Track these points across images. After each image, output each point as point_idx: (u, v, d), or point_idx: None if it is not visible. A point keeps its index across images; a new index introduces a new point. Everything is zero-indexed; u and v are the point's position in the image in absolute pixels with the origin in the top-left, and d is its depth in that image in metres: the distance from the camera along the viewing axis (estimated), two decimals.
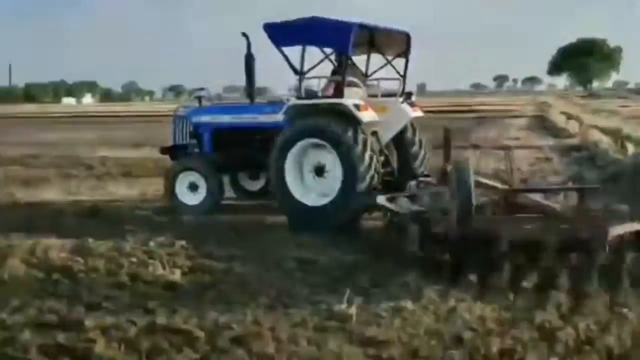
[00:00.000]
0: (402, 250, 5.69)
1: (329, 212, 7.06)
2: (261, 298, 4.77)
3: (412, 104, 8.10)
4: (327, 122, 7.14)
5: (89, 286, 5.08)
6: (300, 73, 7.56)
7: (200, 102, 9.44)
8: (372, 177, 7.00)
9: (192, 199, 8.32)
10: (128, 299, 4.81)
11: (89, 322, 4.18)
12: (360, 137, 6.97)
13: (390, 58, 8.34)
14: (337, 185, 7.10)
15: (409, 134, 8.17)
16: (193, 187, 8.33)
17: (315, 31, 7.45)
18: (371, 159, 7.00)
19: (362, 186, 6.91)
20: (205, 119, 8.86)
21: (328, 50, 7.69)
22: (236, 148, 8.68)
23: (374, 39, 8.15)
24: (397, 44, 8.22)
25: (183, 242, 6.55)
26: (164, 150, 9.30)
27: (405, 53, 8.19)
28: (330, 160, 7.26)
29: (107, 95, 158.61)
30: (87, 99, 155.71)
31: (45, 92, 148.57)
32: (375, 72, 8.63)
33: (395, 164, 8.03)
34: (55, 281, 5.23)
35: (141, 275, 5.35)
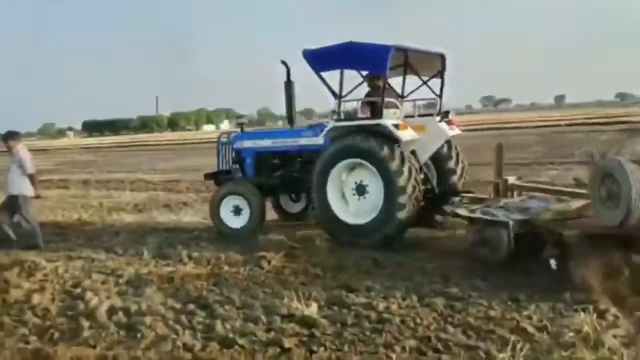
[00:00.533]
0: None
1: (372, 229, 7.25)
2: (408, 340, 4.22)
3: (449, 122, 8.21)
4: (367, 141, 7.31)
5: (224, 319, 4.81)
6: (339, 97, 7.81)
7: (242, 128, 9.98)
8: (414, 190, 7.15)
9: (236, 222, 8.50)
10: (263, 336, 4.47)
11: None
12: (399, 153, 7.15)
13: (425, 79, 8.36)
14: (379, 202, 7.26)
15: (447, 151, 8.29)
16: (237, 211, 8.51)
17: (352, 55, 7.63)
18: (410, 173, 7.14)
19: (403, 200, 7.07)
20: (247, 144, 9.10)
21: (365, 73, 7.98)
22: (277, 171, 8.97)
23: (409, 60, 8.15)
24: (432, 64, 8.28)
25: (318, 270, 6.20)
26: (208, 176, 9.68)
27: (440, 73, 8.24)
28: (371, 179, 7.43)
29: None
30: (225, 125, 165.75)
31: (187, 120, 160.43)
32: (411, 92, 8.64)
33: (434, 181, 8.06)
34: (191, 313, 5.03)
35: (276, 308, 5.00)
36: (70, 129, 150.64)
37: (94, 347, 4.41)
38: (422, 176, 7.58)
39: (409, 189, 7.10)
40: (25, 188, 8.13)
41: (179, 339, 4.45)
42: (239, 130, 9.82)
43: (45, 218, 10.47)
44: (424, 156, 7.94)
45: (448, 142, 8.25)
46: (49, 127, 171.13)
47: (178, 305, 5.24)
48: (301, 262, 6.61)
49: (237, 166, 9.16)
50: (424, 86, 8.35)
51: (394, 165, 7.08)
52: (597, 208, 5.35)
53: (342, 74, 7.75)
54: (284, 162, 8.90)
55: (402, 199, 7.08)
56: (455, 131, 8.23)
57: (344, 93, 7.82)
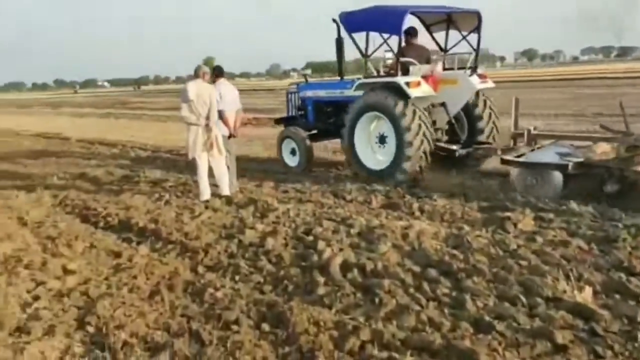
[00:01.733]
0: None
1: (386, 175, 8.20)
2: None
3: (481, 76, 8.67)
4: (382, 97, 8.15)
5: (473, 294, 4.06)
6: (365, 55, 8.77)
7: (306, 79, 10.77)
8: (422, 143, 7.92)
9: (292, 161, 9.91)
10: (526, 322, 3.63)
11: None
12: (409, 109, 7.90)
13: (465, 34, 8.85)
14: (394, 152, 8.13)
15: (478, 103, 8.86)
16: (293, 152, 9.90)
17: (374, 18, 8.43)
18: (419, 127, 7.90)
19: (410, 151, 7.91)
20: (308, 93, 10.17)
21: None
22: (329, 119, 9.92)
23: (451, 17, 8.87)
24: (470, 21, 8.70)
25: (581, 242, 5.09)
26: (278, 121, 10.82)
27: (477, 29, 8.64)
28: (389, 131, 8.23)
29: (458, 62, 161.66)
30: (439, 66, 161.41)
31: None
32: (453, 46, 9.21)
33: (464, 132, 9.01)
34: (434, 280, 4.37)
35: (537, 288, 4.09)
36: (294, 70, 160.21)
37: (330, 307, 4.01)
38: (447, 127, 8.81)
39: (417, 142, 7.90)
40: (221, 127, 7.83)
41: (423, 312, 3.82)
42: (304, 81, 10.73)
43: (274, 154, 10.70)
44: (455, 108, 8.68)
45: (479, 96, 8.85)
46: (275, 68, 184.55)
47: (417, 269, 4.61)
48: (556, 230, 5.53)
49: (302, 112, 10.35)
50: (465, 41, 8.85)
51: (404, 120, 7.89)
52: None
53: (367, 35, 8.61)
54: (335, 110, 9.76)
55: (409, 151, 7.92)
56: (487, 84, 8.68)
57: (369, 52, 8.74)
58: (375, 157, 8.57)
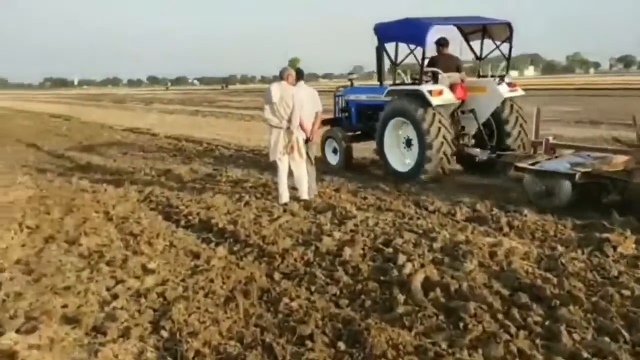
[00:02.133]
0: None
1: (410, 176, 8.78)
2: None
3: (511, 85, 9.01)
4: (407, 103, 8.75)
5: (569, 325, 3.69)
6: (394, 64, 9.43)
7: (352, 83, 11.32)
8: (442, 145, 8.42)
9: (333, 160, 10.59)
10: None
11: None
12: (429, 114, 8.44)
13: (498, 43, 9.27)
14: (417, 153, 8.73)
15: (506, 111, 9.07)
16: (335, 151, 10.58)
17: (403, 30, 9.03)
18: (439, 130, 8.41)
19: (431, 153, 8.43)
20: (352, 97, 10.86)
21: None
22: (369, 121, 10.26)
23: (485, 28, 9.28)
24: (503, 32, 9.11)
25: None
26: (326, 121, 10.52)
27: (509, 39, 9.05)
28: (413, 134, 8.79)
29: (550, 68, 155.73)
30: (530, 71, 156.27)
31: (491, 67, 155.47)
32: (488, 54, 9.68)
33: (494, 138, 9.17)
34: (525, 307, 4.02)
35: None
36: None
37: (410, 328, 3.77)
38: (472, 132, 9.24)
39: (436, 145, 8.41)
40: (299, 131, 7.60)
41: (513, 342, 3.51)
42: (349, 84, 11.35)
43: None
44: (484, 115, 9.07)
45: (508, 103, 9.07)
46: (357, 70, 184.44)
47: (506, 292, 4.27)
48: None
49: (347, 114, 10.99)
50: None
51: (425, 125, 8.43)
52: None
53: (397, 45, 9.31)
54: (374, 114, 9.99)
55: (429, 154, 8.43)
56: (515, 93, 9.04)
57: (399, 61, 9.44)
58: (403, 160, 9.21)
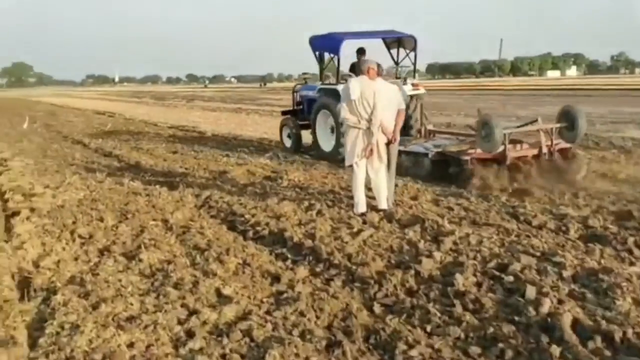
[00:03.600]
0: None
1: (331, 156, 11.15)
2: None
3: (415, 85, 11.41)
4: (328, 99, 11.20)
5: None
6: (321, 68, 12.11)
7: (305, 81, 13.46)
8: None
9: (287, 143, 13.04)
10: None
11: None
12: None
13: (407, 52, 11.95)
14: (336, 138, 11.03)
15: (411, 106, 11.08)
16: (289, 136, 12.99)
17: (324, 42, 11.79)
18: None
19: (343, 141, 8.44)
20: (304, 93, 12.89)
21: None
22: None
23: (400, 40, 11.97)
24: (409, 43, 11.84)
25: None
26: (284, 112, 13.76)
27: (414, 49, 11.79)
28: (334, 123, 11.16)
29: (593, 67, 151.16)
30: (572, 71, 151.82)
31: (531, 65, 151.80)
32: (402, 60, 12.15)
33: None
34: None
35: None
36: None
37: None
38: None
39: None
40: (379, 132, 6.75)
41: None
42: (304, 82, 13.56)
43: None
44: None
45: (413, 100, 11.19)
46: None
47: None
48: None
49: (300, 107, 13.03)
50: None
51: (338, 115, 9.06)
52: (480, 143, 8.39)
53: (322, 53, 11.88)
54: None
55: (343, 140, 8.35)
56: (419, 91, 11.33)
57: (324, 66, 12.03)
58: (330, 143, 11.47)
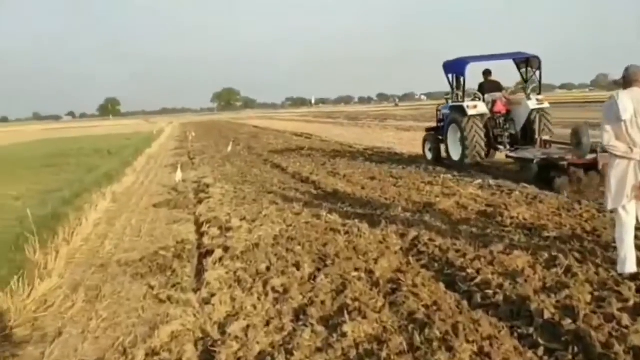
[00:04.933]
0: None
1: (459, 163, 12.84)
2: None
3: (539, 100, 12.61)
4: (456, 115, 13.03)
5: None
6: (452, 88, 13.85)
7: (447, 101, 14.70)
8: (472, 141, 12.40)
9: (428, 156, 14.59)
10: None
11: None
12: (467, 121, 12.48)
13: (533, 71, 13.07)
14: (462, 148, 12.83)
15: (534, 119, 12.48)
16: (430, 150, 14.61)
17: (453, 66, 13.74)
18: (472, 132, 12.41)
19: (467, 150, 12.51)
20: (444, 111, 14.49)
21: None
22: None
23: (528, 60, 13.15)
24: (535, 63, 13.03)
25: None
26: (428, 129, 15.56)
27: (539, 68, 12.92)
28: (461, 135, 12.76)
29: None
30: None
31: None
32: (529, 79, 13.20)
33: (524, 137, 12.74)
34: None
35: None
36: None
37: None
38: (507, 134, 12.93)
39: (470, 142, 12.40)
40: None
41: None
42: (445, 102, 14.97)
43: None
44: (520, 121, 12.81)
45: (537, 114, 12.50)
46: (601, 79, 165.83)
47: None
48: None
49: (442, 124, 14.41)
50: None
51: (464, 128, 12.49)
52: (573, 150, 9.55)
53: (454, 75, 13.81)
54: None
55: (467, 148, 12.45)
56: (542, 105, 12.55)
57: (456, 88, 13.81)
58: (457, 152, 12.88)
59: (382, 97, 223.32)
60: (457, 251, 6.03)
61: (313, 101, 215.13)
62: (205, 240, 7.35)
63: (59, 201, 11.25)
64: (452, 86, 13.72)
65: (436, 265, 5.77)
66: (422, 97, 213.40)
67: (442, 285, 5.15)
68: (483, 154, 12.50)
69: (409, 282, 5.15)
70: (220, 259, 6.28)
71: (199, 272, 6.11)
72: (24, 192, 13.68)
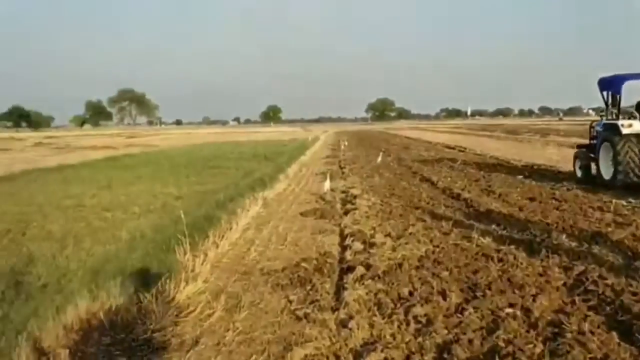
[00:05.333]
0: None
1: (610, 182, 12.60)
2: None
3: None
4: (609, 133, 12.92)
5: None
6: (606, 105, 13.83)
7: (601, 118, 14.41)
8: (625, 157, 12.24)
9: (578, 173, 14.22)
10: None
11: None
12: (619, 139, 12.42)
13: None
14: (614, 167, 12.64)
15: None
16: (580, 167, 14.16)
17: (608, 82, 13.60)
18: (626, 152, 12.26)
19: (620, 168, 12.30)
20: (598, 128, 14.14)
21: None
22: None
23: None
24: None
25: None
26: (579, 146, 15.41)
27: None
28: (613, 153, 12.57)
29: None
30: None
31: None
32: None
33: None
34: None
35: None
36: None
37: None
38: None
39: (623, 161, 12.24)
40: None
41: None
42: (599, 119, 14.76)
43: None
44: None
45: None
46: None
47: None
48: None
49: (594, 142, 14.26)
50: None
51: (617, 147, 12.36)
52: None
53: (608, 92, 13.76)
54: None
55: (620, 167, 12.28)
56: None
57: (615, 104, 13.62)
58: (609, 171, 12.76)
59: (545, 111, 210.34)
60: (634, 294, 5.15)
61: (469, 112, 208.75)
62: (348, 254, 7.13)
63: (214, 203, 11.78)
64: (606, 103, 13.65)
65: (607, 308, 4.96)
66: (590, 111, 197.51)
67: (615, 335, 4.37)
68: (637, 174, 12.21)
69: (574, 327, 4.45)
70: (361, 277, 6.00)
71: (339, 289, 5.88)
72: (186, 192, 14.61)
